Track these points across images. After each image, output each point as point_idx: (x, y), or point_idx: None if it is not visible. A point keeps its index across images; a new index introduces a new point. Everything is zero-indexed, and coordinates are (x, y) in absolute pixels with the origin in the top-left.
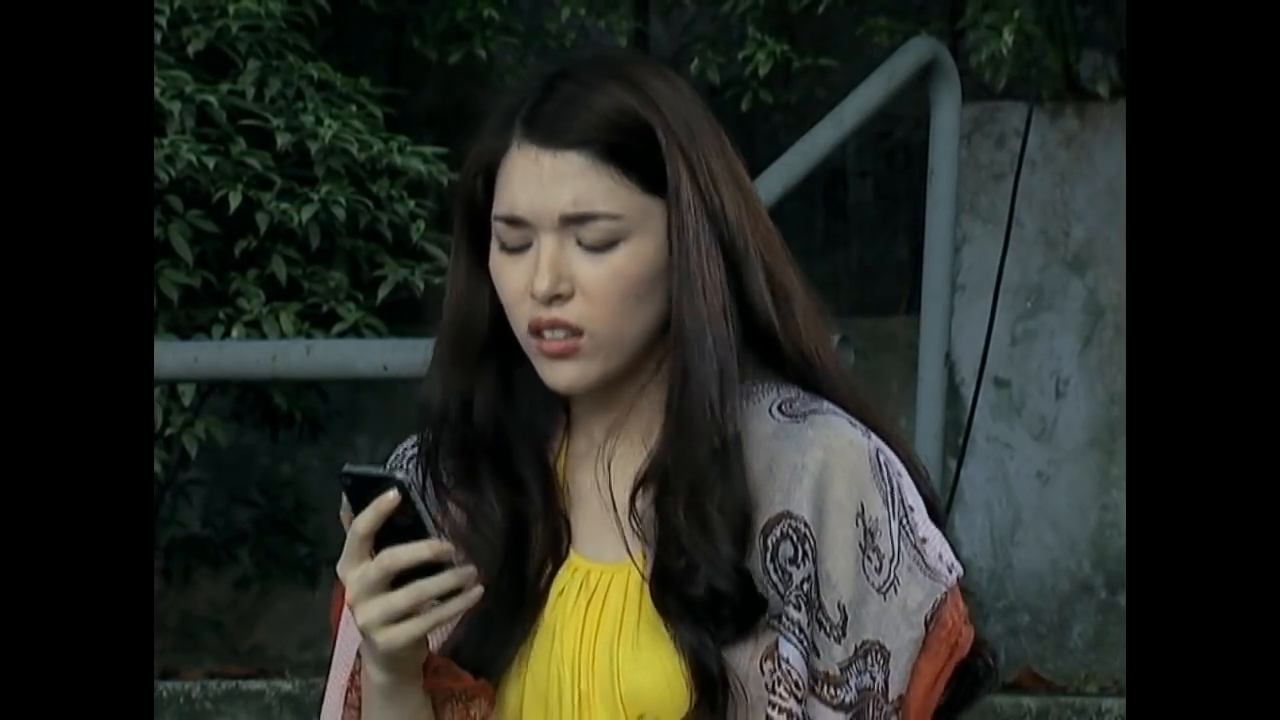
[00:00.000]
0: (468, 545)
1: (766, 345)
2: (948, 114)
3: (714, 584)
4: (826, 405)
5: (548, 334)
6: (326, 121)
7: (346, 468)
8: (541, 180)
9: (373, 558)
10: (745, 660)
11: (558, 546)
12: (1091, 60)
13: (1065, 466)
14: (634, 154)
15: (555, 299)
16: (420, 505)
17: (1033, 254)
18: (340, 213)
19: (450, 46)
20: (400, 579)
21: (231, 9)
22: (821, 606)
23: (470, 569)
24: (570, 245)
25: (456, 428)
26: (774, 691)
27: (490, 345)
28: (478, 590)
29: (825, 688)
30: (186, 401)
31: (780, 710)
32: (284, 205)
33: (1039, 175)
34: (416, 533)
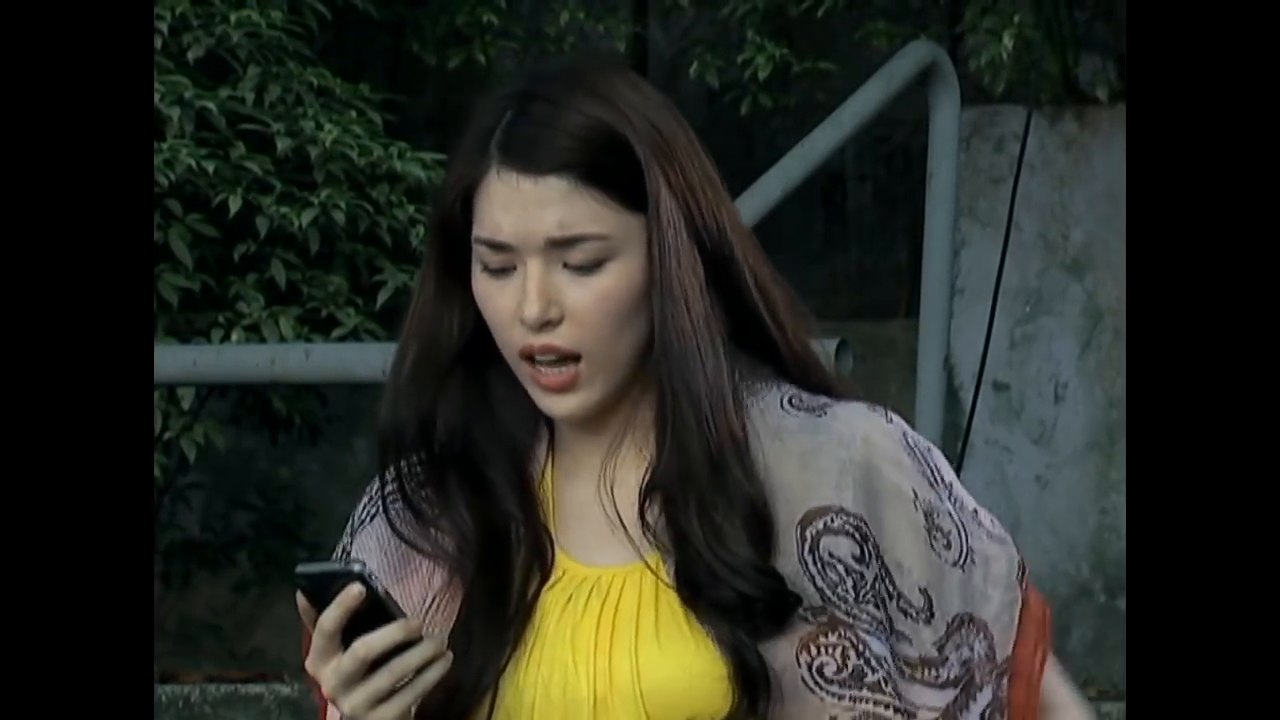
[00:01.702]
0: (453, 563)
1: (760, 344)
2: (947, 118)
3: (739, 589)
4: (833, 398)
5: (540, 360)
6: (326, 127)
7: (300, 568)
8: (524, 205)
9: (342, 648)
10: (782, 653)
11: (542, 556)
12: (1090, 64)
13: (1064, 470)
14: (613, 172)
15: (545, 325)
16: (379, 589)
17: (1031, 258)
18: (340, 217)
19: (449, 52)
20: (374, 662)
21: (233, 17)
22: (901, 595)
23: (440, 637)
24: (556, 269)
25: (414, 447)
26: (881, 690)
27: (457, 361)
28: (449, 655)
29: (925, 670)
30: (185, 405)
31: (889, 708)
32: (284, 210)
33: (1038, 179)
34: (377, 615)
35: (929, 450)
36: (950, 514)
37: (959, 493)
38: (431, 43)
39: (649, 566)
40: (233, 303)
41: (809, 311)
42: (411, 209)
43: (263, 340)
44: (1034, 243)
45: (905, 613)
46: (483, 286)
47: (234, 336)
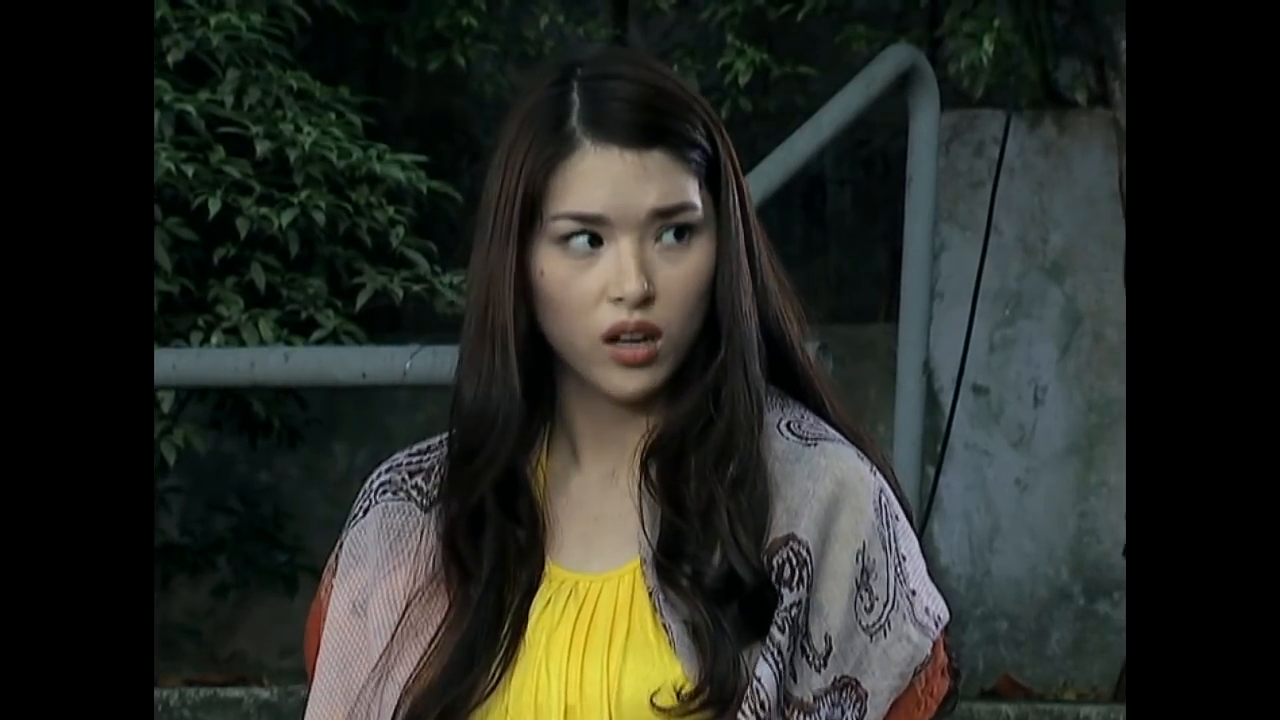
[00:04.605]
0: (441, 557)
1: (774, 353)
2: (926, 122)
3: (732, 565)
4: (834, 433)
5: (625, 339)
6: (305, 129)
7: None
8: (623, 179)
9: None
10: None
11: (535, 572)
12: (1069, 68)
13: (1043, 474)
14: (697, 147)
15: (643, 302)
16: None
17: (1011, 261)
18: (320, 219)
19: (429, 54)
20: None
21: (212, 20)
22: (808, 634)
23: None
24: (649, 245)
25: (504, 438)
26: (739, 708)
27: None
28: None
29: (796, 713)
30: (165, 409)
31: None
32: (263, 211)
33: (1017, 183)
34: None
35: (896, 516)
36: (888, 582)
37: (908, 567)
38: (411, 46)
39: (644, 532)
40: (212, 306)
41: (805, 318)
42: (391, 211)
43: (242, 343)
44: (1013, 246)
45: (804, 651)
46: (559, 268)
47: (213, 340)
